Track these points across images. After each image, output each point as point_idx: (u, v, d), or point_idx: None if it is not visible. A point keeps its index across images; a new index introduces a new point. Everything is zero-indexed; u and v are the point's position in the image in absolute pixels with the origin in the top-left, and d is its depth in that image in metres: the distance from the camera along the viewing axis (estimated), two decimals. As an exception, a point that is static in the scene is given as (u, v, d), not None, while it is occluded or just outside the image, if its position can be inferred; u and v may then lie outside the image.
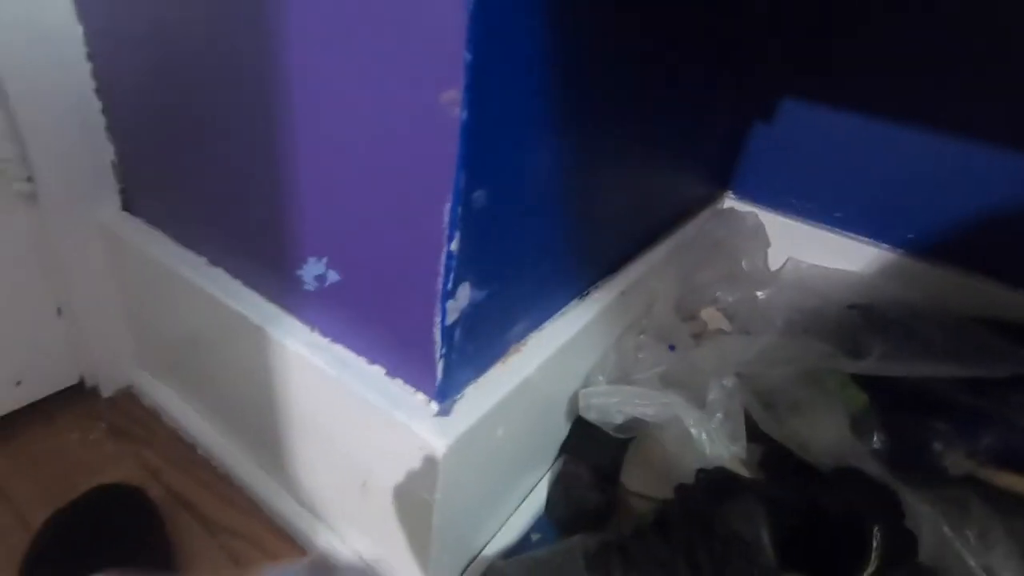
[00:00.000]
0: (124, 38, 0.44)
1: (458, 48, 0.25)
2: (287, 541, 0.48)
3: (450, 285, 0.32)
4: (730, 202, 0.84)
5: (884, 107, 0.70)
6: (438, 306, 0.33)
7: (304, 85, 0.32)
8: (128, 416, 0.59)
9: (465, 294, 0.33)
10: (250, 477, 0.52)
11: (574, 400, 0.54)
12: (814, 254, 0.77)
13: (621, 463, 0.57)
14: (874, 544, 0.43)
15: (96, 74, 0.48)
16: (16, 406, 0.55)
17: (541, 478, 0.56)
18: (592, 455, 0.56)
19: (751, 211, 0.81)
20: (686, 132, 0.62)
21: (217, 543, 0.48)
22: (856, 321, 0.62)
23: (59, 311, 0.55)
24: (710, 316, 0.72)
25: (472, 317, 0.35)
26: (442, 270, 0.31)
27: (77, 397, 0.59)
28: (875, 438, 0.55)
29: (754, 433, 0.55)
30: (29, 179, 0.47)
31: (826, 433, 0.55)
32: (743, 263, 0.77)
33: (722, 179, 0.83)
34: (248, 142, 0.38)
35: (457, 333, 0.34)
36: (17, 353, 0.54)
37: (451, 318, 0.33)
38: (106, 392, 0.60)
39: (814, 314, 0.64)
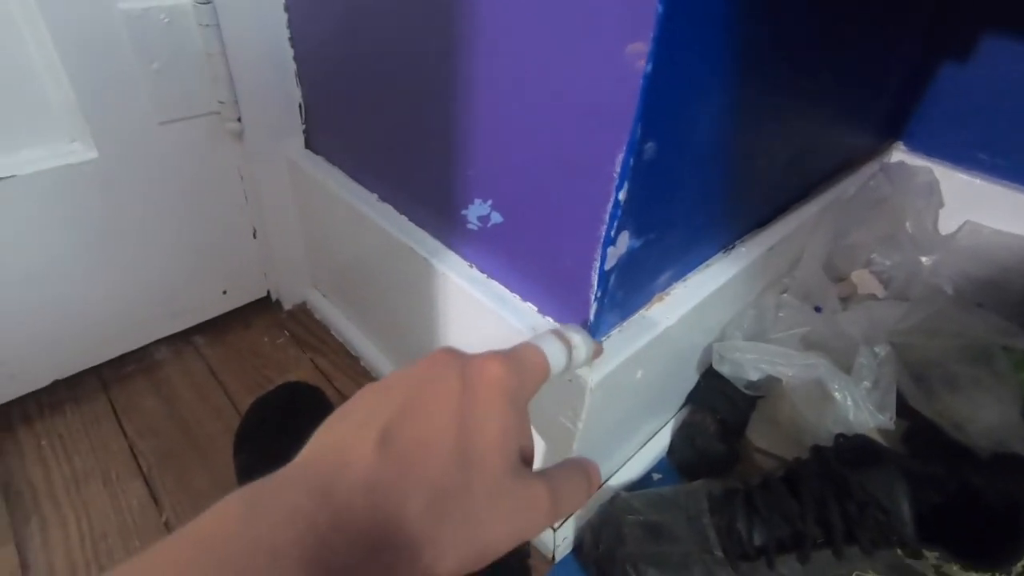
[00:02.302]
0: (316, -10, 0.48)
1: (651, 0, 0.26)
2: (436, 447, 0.55)
3: (613, 232, 0.33)
4: (900, 154, 0.76)
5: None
6: (598, 251, 0.34)
7: (488, 25, 0.34)
8: (304, 327, 0.69)
9: (624, 242, 0.35)
10: (405, 390, 0.59)
11: (708, 352, 0.54)
12: (999, 218, 0.68)
13: (747, 418, 0.57)
14: (1034, 535, 0.40)
15: (290, 23, 0.53)
16: (223, 310, 0.67)
17: (667, 422, 0.58)
18: (719, 407, 0.56)
19: (924, 165, 0.72)
20: (860, 75, 0.56)
21: (379, 441, 0.56)
22: (1045, 297, 0.55)
23: (255, 233, 0.65)
24: (861, 279, 0.67)
25: (627, 264, 0.37)
26: (607, 218, 0.33)
27: (265, 308, 0.70)
28: (1051, 426, 0.50)
29: (900, 407, 0.52)
30: (238, 119, 0.55)
31: (990, 414, 0.51)
32: (907, 224, 0.70)
33: (893, 128, 0.75)
34: (424, 88, 0.41)
35: (612, 278, 0.36)
36: (224, 267, 0.65)
37: (609, 264, 0.35)
38: (287, 305, 0.71)
39: (991, 286, 0.58)
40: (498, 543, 0.21)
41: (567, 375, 0.31)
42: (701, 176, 0.39)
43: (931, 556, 0.39)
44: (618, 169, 0.31)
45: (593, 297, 0.37)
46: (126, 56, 0.48)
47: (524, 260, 0.41)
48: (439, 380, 0.23)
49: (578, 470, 0.27)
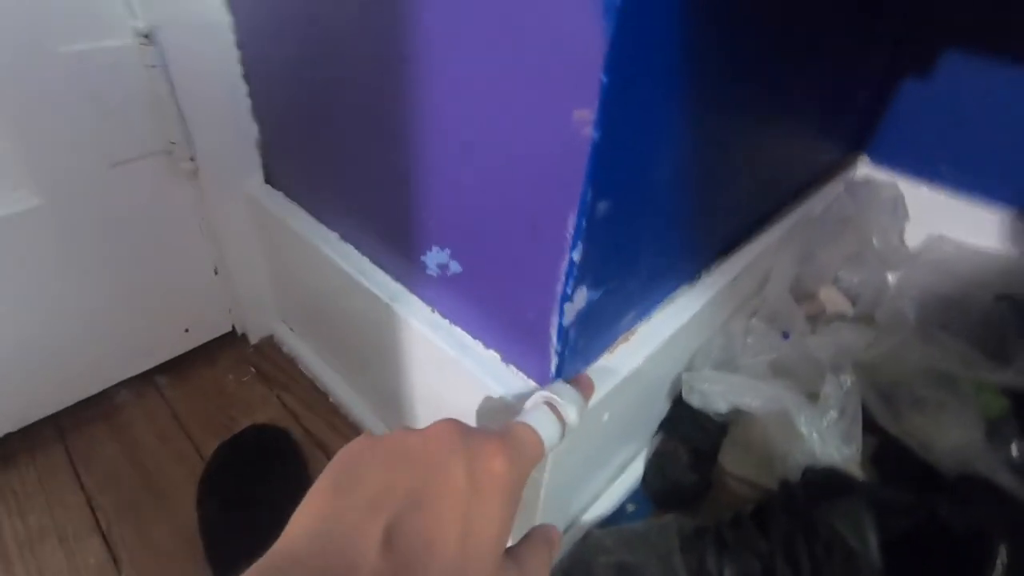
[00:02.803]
0: (270, 26, 0.47)
1: (595, 70, 0.25)
2: (407, 489, 0.55)
3: (569, 290, 0.33)
4: (865, 168, 0.76)
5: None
6: (556, 307, 0.34)
7: (440, 87, 0.33)
8: (271, 362, 0.67)
9: (583, 296, 0.34)
10: (375, 428, 0.58)
11: (677, 382, 0.54)
12: (965, 232, 0.69)
13: (718, 443, 0.57)
14: (999, 562, 0.41)
15: (243, 60, 0.52)
16: (185, 349, 0.65)
17: (639, 452, 0.57)
18: (690, 435, 0.56)
19: (889, 180, 0.73)
20: (823, 96, 0.56)
21: (348, 483, 0.55)
22: (1004, 316, 0.56)
23: (216, 270, 0.63)
24: (829, 296, 0.68)
25: (586, 315, 0.36)
26: (563, 276, 0.32)
27: (231, 343, 0.69)
28: (1013, 448, 0.51)
29: (869, 424, 0.52)
30: (192, 158, 0.53)
31: (954, 436, 0.51)
32: (874, 239, 0.70)
33: (857, 142, 0.75)
34: (380, 135, 0.40)
35: (572, 331, 0.36)
36: (184, 305, 0.63)
37: (568, 319, 0.34)
38: (253, 340, 0.69)
39: (954, 304, 0.58)
40: None
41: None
42: (660, 222, 0.38)
43: (896, 593, 0.39)
44: (571, 230, 0.30)
45: (554, 351, 0.36)
46: (69, 99, 0.46)
47: (484, 310, 0.40)
48: (446, 472, 0.23)
49: (541, 542, 0.27)
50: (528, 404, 0.32)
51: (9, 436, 0.55)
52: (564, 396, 0.31)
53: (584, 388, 0.36)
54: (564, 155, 0.28)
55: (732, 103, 0.39)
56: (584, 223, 0.30)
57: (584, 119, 0.27)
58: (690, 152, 0.37)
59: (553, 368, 0.37)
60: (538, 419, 0.28)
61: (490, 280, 0.38)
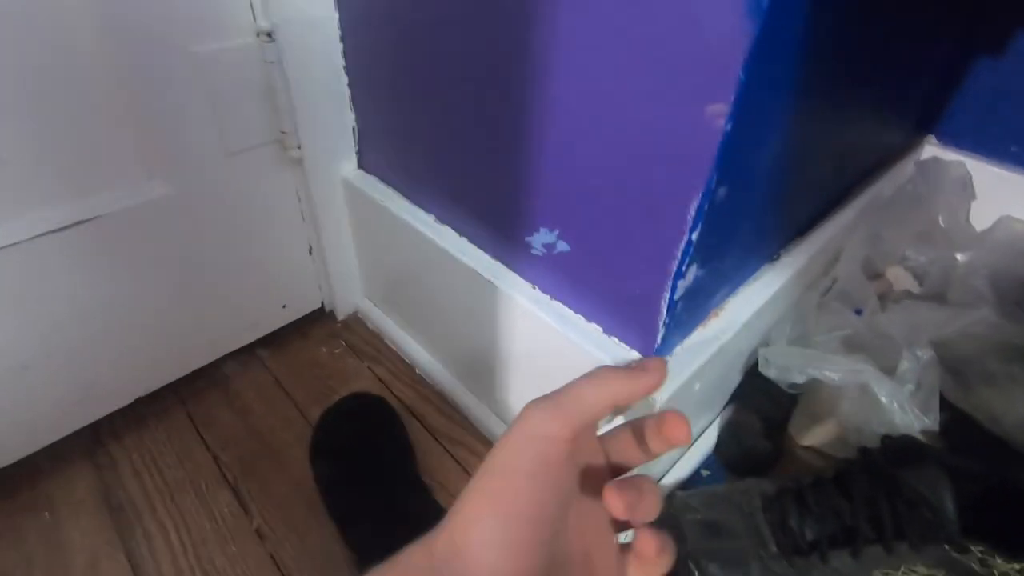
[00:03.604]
0: (375, 17, 0.50)
1: (735, 68, 0.28)
2: (498, 452, 0.59)
3: (684, 267, 0.36)
4: (932, 149, 0.77)
5: None
6: (669, 284, 0.37)
7: (568, 73, 0.36)
8: (359, 336, 0.72)
9: (692, 273, 0.38)
10: (463, 397, 0.62)
11: (752, 355, 0.57)
12: (1034, 212, 0.69)
13: (789, 414, 0.60)
14: (1071, 526, 0.43)
15: (345, 53, 0.55)
16: (283, 323, 0.70)
17: (712, 421, 0.61)
18: (763, 405, 0.59)
19: (957, 160, 0.74)
20: (895, 79, 0.57)
21: (441, 448, 0.60)
22: (1079, 294, 0.57)
23: (310, 250, 0.68)
24: (896, 275, 0.69)
25: (692, 290, 0.39)
26: (680, 255, 0.35)
27: (319, 319, 0.74)
28: (1085, 420, 0.53)
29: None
30: (299, 147, 0.57)
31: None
32: (941, 219, 0.71)
33: (925, 122, 0.76)
34: (492, 124, 0.44)
35: (680, 306, 0.39)
36: (282, 282, 0.68)
37: (678, 294, 0.38)
38: (340, 316, 0.74)
39: (1026, 283, 0.59)
40: None
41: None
42: (759, 204, 0.41)
43: (976, 551, 0.42)
44: (693, 213, 0.33)
45: (661, 323, 0.39)
46: (198, 95, 0.50)
47: (590, 286, 0.44)
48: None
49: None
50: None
51: (138, 401, 0.61)
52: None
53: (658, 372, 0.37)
54: (696, 144, 0.31)
55: (825, 91, 0.41)
56: (706, 206, 0.33)
57: (719, 112, 0.29)
58: (788, 139, 0.39)
59: (659, 339, 0.40)
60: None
61: (599, 259, 0.41)
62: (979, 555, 0.42)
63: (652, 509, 0.25)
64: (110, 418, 0.60)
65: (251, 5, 0.49)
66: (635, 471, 0.29)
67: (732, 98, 0.29)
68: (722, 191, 0.33)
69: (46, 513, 0.53)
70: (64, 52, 0.43)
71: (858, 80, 0.46)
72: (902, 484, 0.44)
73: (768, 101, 0.32)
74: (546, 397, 0.26)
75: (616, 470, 0.30)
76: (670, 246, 0.35)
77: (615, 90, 0.33)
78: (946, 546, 0.42)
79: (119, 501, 0.54)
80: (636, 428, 0.29)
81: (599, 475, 0.28)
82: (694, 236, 0.34)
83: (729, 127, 0.30)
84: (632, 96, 0.33)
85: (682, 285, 0.37)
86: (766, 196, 0.42)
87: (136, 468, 0.57)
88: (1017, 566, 0.42)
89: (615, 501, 0.24)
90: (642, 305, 0.40)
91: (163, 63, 0.48)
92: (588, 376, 0.27)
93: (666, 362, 0.27)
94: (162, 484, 0.55)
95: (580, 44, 0.34)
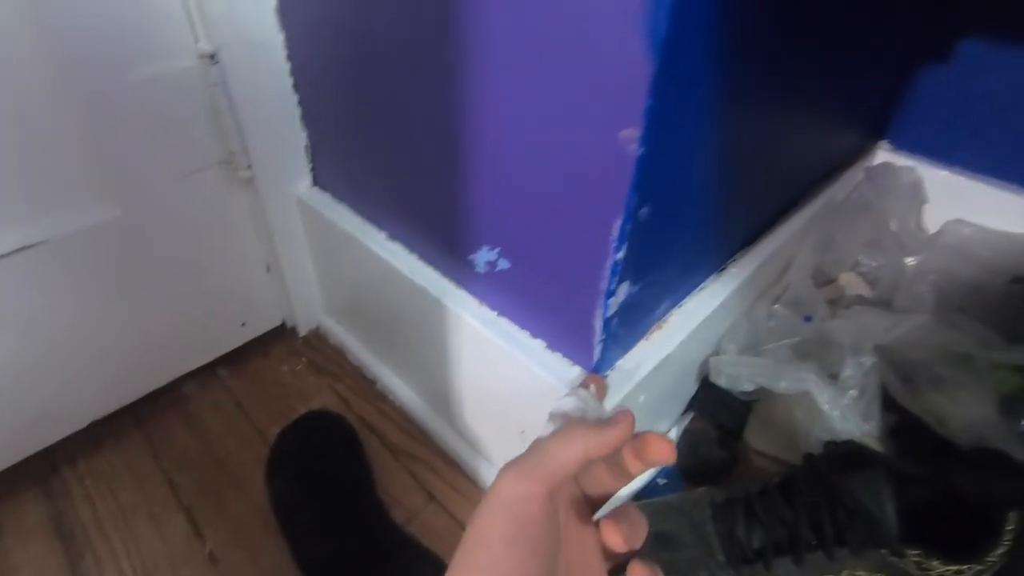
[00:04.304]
0: (320, 40, 0.50)
1: (641, 95, 0.28)
2: (456, 468, 0.59)
3: (613, 286, 0.37)
4: (885, 154, 0.78)
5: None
6: (601, 302, 0.38)
7: (494, 102, 0.36)
8: (320, 353, 0.72)
9: (624, 290, 0.38)
10: (423, 413, 0.62)
11: (705, 364, 0.58)
12: (982, 215, 0.71)
13: (744, 421, 0.61)
14: (1008, 527, 0.44)
15: (293, 72, 0.56)
16: (242, 342, 0.70)
17: (669, 430, 0.61)
18: (718, 414, 0.60)
19: (908, 165, 0.75)
20: (843, 86, 0.58)
21: (400, 464, 0.60)
22: (1020, 297, 0.58)
23: (268, 268, 0.68)
24: (849, 281, 0.71)
25: (626, 307, 0.40)
26: (607, 274, 0.36)
27: (281, 336, 0.73)
28: (1026, 421, 0.54)
29: (888, 402, 0.55)
30: (248, 166, 0.57)
31: (969, 412, 0.54)
32: (892, 224, 0.73)
33: (878, 128, 0.77)
34: (431, 145, 0.44)
35: (614, 322, 0.39)
36: (240, 301, 0.68)
37: (611, 312, 0.38)
38: (301, 332, 0.74)
39: (972, 288, 0.61)
40: None
41: None
42: (693, 219, 0.41)
43: (913, 554, 0.43)
44: (616, 234, 0.34)
45: (597, 340, 0.40)
46: (141, 118, 0.50)
47: (530, 303, 0.44)
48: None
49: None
50: (548, 415, 0.34)
51: (94, 424, 0.60)
52: (580, 400, 0.34)
53: (599, 389, 0.37)
54: (612, 168, 0.32)
55: (760, 104, 0.42)
56: (628, 227, 0.34)
57: (630, 137, 0.30)
58: (721, 154, 0.40)
59: (596, 354, 0.41)
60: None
61: (537, 277, 0.42)
62: (916, 559, 0.43)
63: (642, 536, 0.26)
64: (64, 442, 0.59)
65: (192, 28, 0.49)
66: None
67: (642, 123, 0.29)
68: (645, 211, 0.34)
69: (-5, 542, 0.52)
70: (5, 76, 0.43)
71: (793, 91, 0.47)
72: (842, 491, 0.45)
73: (684, 121, 0.33)
74: (517, 460, 0.27)
75: (593, 500, 0.30)
76: (597, 266, 0.36)
77: (537, 116, 0.34)
78: (884, 551, 0.43)
79: (70, 527, 0.53)
80: (609, 456, 0.29)
81: (581, 512, 0.29)
82: (620, 256, 0.35)
83: (642, 151, 0.30)
84: (552, 123, 0.33)
85: (614, 302, 0.38)
86: (702, 211, 0.42)
87: (89, 493, 0.56)
88: (954, 568, 0.43)
89: (615, 537, 0.25)
90: (578, 322, 0.40)
91: (104, 88, 0.47)
92: (557, 434, 0.27)
93: (630, 413, 0.28)
94: (115, 509, 0.55)
95: (504, 72, 0.35)
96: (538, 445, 0.27)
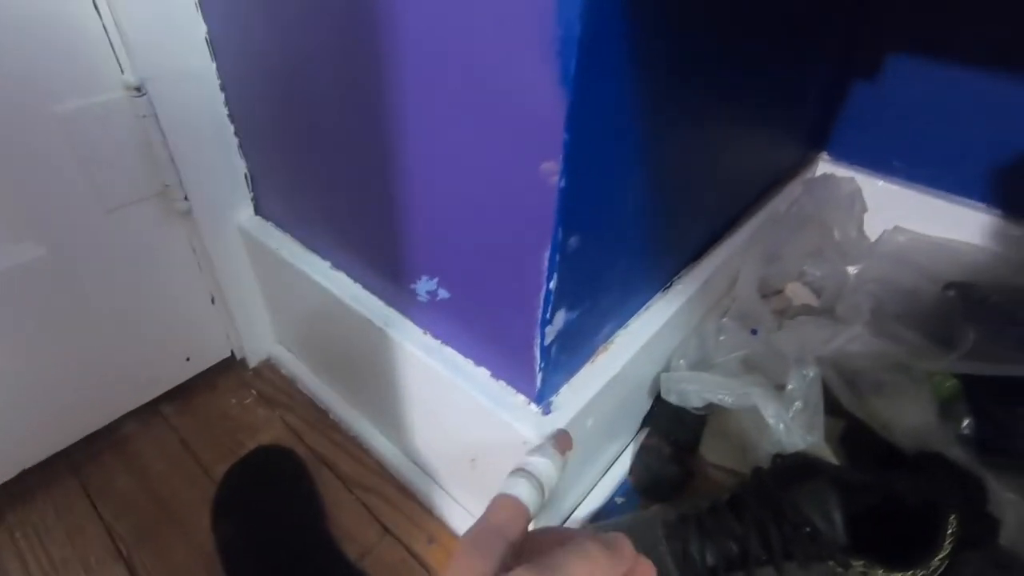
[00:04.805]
0: (252, 70, 0.49)
1: (557, 129, 0.28)
2: (411, 498, 0.58)
3: (548, 315, 0.36)
4: (825, 165, 0.81)
5: (1010, 59, 0.63)
6: (538, 331, 0.37)
7: (419, 135, 0.36)
8: (271, 384, 0.70)
9: (561, 318, 0.38)
10: (375, 442, 0.61)
11: (656, 381, 0.58)
12: (919, 223, 0.73)
13: (698, 435, 0.61)
14: (949, 531, 0.45)
15: (228, 102, 0.54)
16: (187, 377, 0.68)
17: (625, 447, 0.61)
18: (672, 429, 0.60)
19: (848, 176, 0.78)
20: (779, 99, 0.60)
21: (354, 497, 0.58)
22: (951, 303, 0.60)
23: (212, 299, 0.66)
24: (795, 291, 0.72)
25: (565, 333, 0.40)
26: (541, 303, 0.36)
27: (230, 368, 0.71)
28: (964, 423, 0.56)
29: (836, 408, 0.57)
30: (185, 198, 0.56)
31: (910, 416, 0.56)
32: (835, 233, 0.75)
33: (816, 140, 0.80)
34: (363, 175, 0.43)
35: (554, 349, 0.39)
36: (184, 335, 0.65)
37: (548, 339, 0.38)
38: (251, 363, 0.72)
39: (909, 295, 0.63)
40: None
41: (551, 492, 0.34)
42: (629, 243, 0.42)
43: (858, 565, 0.43)
44: (546, 264, 0.34)
45: (538, 367, 0.40)
46: (65, 153, 0.48)
47: (473, 332, 0.44)
48: None
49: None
50: (508, 474, 0.33)
51: (24, 473, 0.57)
52: (541, 457, 0.34)
53: (562, 444, 0.37)
54: (535, 200, 0.32)
55: (689, 124, 0.42)
56: (557, 257, 0.33)
57: (551, 170, 0.30)
58: (651, 175, 0.40)
59: (539, 382, 0.41)
60: (515, 487, 0.31)
61: (476, 306, 0.41)
62: (861, 569, 0.43)
63: None
64: (-8, 494, 0.56)
65: (117, 60, 0.48)
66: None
67: (561, 156, 0.29)
68: (573, 241, 0.34)
69: (-87, 607, 0.49)
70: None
71: (724, 108, 0.48)
72: (786, 505, 0.45)
73: (606, 149, 0.33)
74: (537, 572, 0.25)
75: None
76: (531, 295, 0.36)
77: (461, 149, 0.34)
78: (830, 563, 0.44)
79: (-2, 587, 0.50)
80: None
81: None
82: (552, 285, 0.35)
83: (563, 183, 0.30)
84: (476, 155, 0.33)
85: (551, 330, 0.38)
86: (637, 233, 0.43)
87: (19, 548, 0.53)
88: (898, 574, 0.44)
89: None
90: (519, 351, 0.40)
91: (23, 123, 0.46)
92: (578, 555, 0.26)
93: (630, 544, 0.28)
94: (48, 564, 0.52)
95: (427, 104, 0.34)
96: (561, 563, 0.25)
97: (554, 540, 0.28)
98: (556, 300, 0.36)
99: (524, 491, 0.30)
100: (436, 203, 0.38)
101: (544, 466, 0.33)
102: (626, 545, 0.28)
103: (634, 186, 0.38)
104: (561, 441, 0.37)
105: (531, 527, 0.31)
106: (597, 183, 0.33)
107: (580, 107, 0.28)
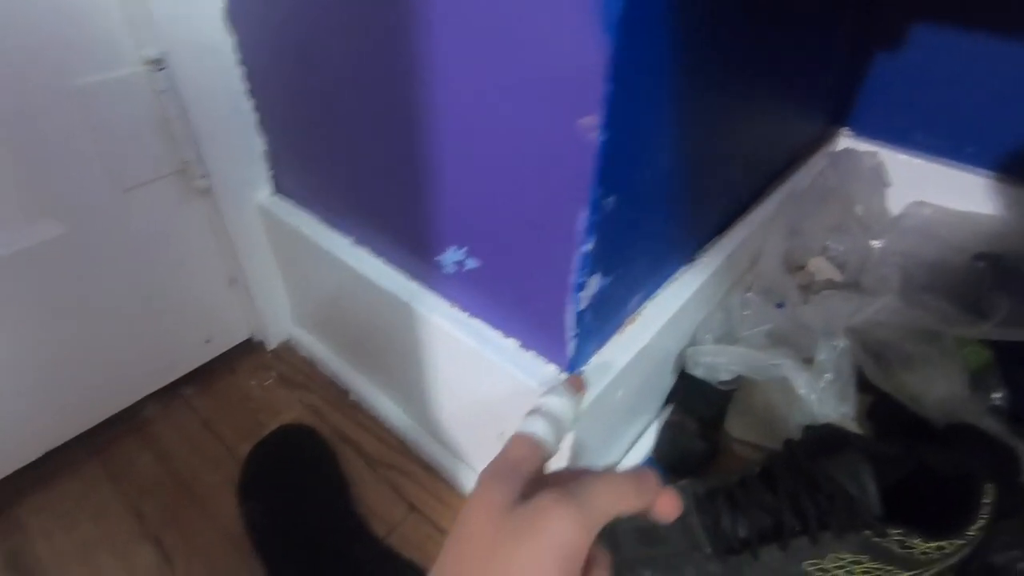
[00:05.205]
0: (272, 42, 0.49)
1: (598, 80, 0.28)
2: (435, 475, 0.58)
3: (583, 279, 0.36)
4: (846, 140, 0.79)
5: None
6: (571, 296, 0.37)
7: (449, 97, 0.36)
8: (290, 365, 0.70)
9: (595, 283, 0.37)
10: (399, 421, 0.61)
11: (682, 356, 0.57)
12: (942, 196, 0.72)
13: (723, 411, 0.61)
14: (985, 501, 0.44)
15: (247, 77, 0.54)
16: (208, 359, 0.67)
17: (650, 424, 0.61)
18: (697, 405, 0.60)
19: (870, 150, 0.76)
20: (801, 71, 0.59)
21: (378, 475, 0.58)
22: (983, 274, 0.59)
23: (231, 280, 0.65)
24: (818, 266, 0.71)
25: (598, 300, 0.39)
26: (576, 267, 0.35)
27: (249, 350, 0.71)
28: (996, 394, 0.55)
29: (863, 383, 0.56)
30: (204, 176, 0.55)
31: (940, 388, 0.55)
32: (857, 208, 0.74)
33: (837, 115, 0.79)
34: (391, 145, 0.43)
35: (587, 316, 0.39)
36: (204, 317, 0.65)
37: (582, 305, 0.37)
38: (270, 345, 0.72)
39: (936, 267, 0.62)
40: None
41: (568, 431, 0.34)
42: (661, 209, 0.41)
43: (895, 534, 0.43)
44: (583, 225, 0.33)
45: (570, 335, 0.39)
46: (84, 130, 0.48)
47: (501, 302, 0.43)
48: None
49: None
50: (524, 415, 0.34)
51: (48, 455, 0.57)
52: (555, 396, 0.34)
53: (575, 385, 0.37)
54: (573, 158, 0.31)
55: (719, 90, 0.42)
56: (595, 218, 0.33)
57: (590, 125, 0.29)
58: (685, 140, 0.39)
59: (570, 351, 0.40)
60: (531, 426, 0.31)
61: (506, 274, 0.41)
62: (898, 538, 0.43)
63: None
64: (16, 476, 0.56)
65: (135, 34, 0.47)
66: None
67: (601, 109, 0.29)
68: (610, 201, 0.33)
69: (-56, 586, 0.49)
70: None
71: (753, 79, 0.47)
72: (821, 475, 0.45)
73: (645, 106, 0.32)
74: (563, 501, 0.25)
75: None
76: (566, 259, 0.35)
77: (495, 108, 0.33)
78: (866, 532, 0.43)
79: (28, 565, 0.50)
80: None
81: None
82: (588, 248, 0.34)
83: (604, 138, 0.29)
84: (510, 114, 0.32)
85: (585, 296, 0.37)
86: (669, 200, 0.42)
87: (46, 528, 0.53)
88: (934, 544, 0.43)
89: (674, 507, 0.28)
90: (550, 318, 0.39)
91: (41, 98, 0.45)
92: (607, 484, 0.26)
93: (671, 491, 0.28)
94: (76, 542, 0.52)
95: (458, 63, 0.34)
96: (590, 491, 0.25)
97: (576, 475, 0.28)
98: (591, 264, 0.35)
99: (539, 428, 0.30)
100: (466, 167, 0.38)
101: (558, 405, 0.32)
102: (652, 476, 0.28)
103: (667, 148, 0.37)
104: (574, 382, 0.36)
105: (549, 469, 0.31)
106: (635, 141, 0.32)
107: (623, 56, 0.27)
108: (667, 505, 0.28)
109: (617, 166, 0.32)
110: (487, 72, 0.32)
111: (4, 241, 0.47)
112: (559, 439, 0.32)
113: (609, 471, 0.28)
